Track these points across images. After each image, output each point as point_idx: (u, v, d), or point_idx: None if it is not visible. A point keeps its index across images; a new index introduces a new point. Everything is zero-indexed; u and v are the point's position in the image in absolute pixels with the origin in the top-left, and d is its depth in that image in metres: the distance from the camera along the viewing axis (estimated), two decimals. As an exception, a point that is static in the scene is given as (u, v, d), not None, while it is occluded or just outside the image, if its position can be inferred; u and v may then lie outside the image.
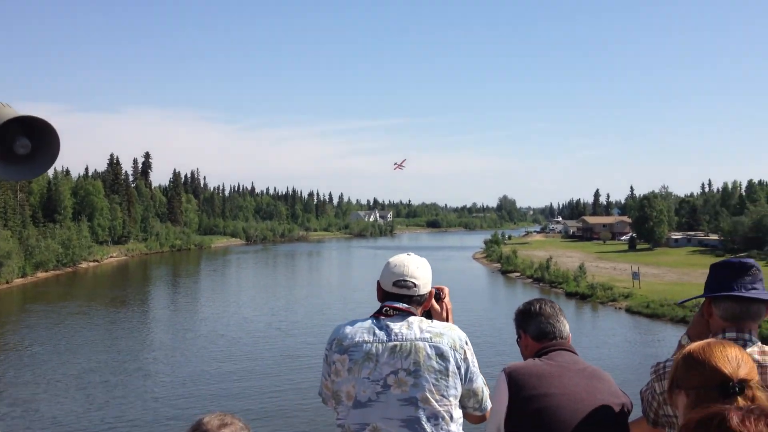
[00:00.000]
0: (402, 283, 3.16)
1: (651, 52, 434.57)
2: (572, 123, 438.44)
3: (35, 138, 2.62)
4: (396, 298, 3.17)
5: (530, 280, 79.54)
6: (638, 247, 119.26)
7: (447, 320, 3.38)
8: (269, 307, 58.80)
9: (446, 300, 3.47)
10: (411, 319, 3.11)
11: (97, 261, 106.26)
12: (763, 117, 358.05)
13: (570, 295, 66.74)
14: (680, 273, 78.02)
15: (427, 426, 2.98)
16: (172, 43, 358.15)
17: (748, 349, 2.85)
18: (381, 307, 3.16)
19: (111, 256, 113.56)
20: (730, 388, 2.09)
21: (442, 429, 3.01)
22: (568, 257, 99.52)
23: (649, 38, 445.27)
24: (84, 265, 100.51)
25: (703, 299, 3.13)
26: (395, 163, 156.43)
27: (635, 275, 67.84)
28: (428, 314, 3.33)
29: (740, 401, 2.07)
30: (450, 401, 3.04)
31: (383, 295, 3.22)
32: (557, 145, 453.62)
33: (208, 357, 38.45)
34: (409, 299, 3.17)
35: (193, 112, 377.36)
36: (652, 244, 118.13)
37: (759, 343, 2.89)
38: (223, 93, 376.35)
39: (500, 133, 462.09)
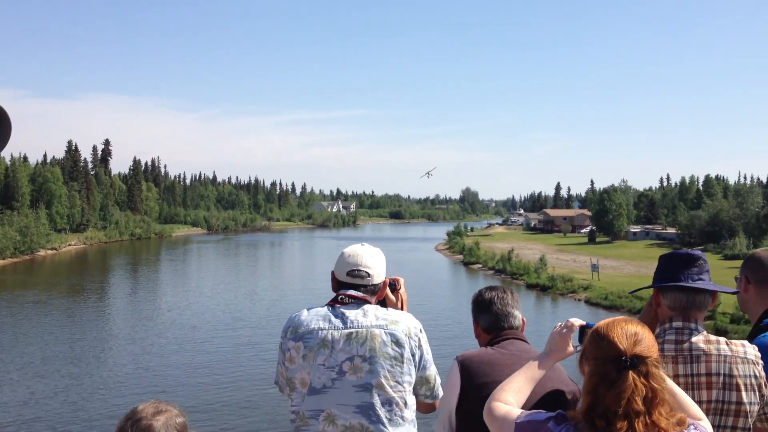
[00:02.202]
0: (356, 272, 3.20)
1: (613, 49, 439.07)
2: (534, 117, 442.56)
3: None
4: (350, 288, 3.20)
5: (492, 272, 80.00)
6: (597, 239, 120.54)
7: (402, 310, 3.42)
8: (230, 296, 58.42)
9: (401, 291, 3.52)
10: (366, 306, 3.16)
11: (56, 249, 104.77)
12: (721, 114, 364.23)
13: (531, 286, 67.31)
14: (638, 265, 79.03)
15: (381, 412, 3.02)
16: (132, 30, 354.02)
17: (694, 338, 2.93)
18: (336, 295, 3.20)
19: (69, 244, 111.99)
20: (622, 362, 2.20)
21: (396, 415, 3.05)
22: (530, 249, 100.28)
23: (611, 36, 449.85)
24: (42, 253, 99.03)
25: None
26: (426, 172, 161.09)
27: (594, 267, 68.57)
28: (383, 304, 3.36)
29: (631, 375, 2.18)
30: (404, 387, 3.09)
31: (337, 284, 3.26)
32: (520, 138, 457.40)
33: (168, 346, 38.09)
34: (363, 288, 3.20)
35: (154, 99, 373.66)
36: (611, 237, 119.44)
37: (704, 332, 2.97)
38: (185, 81, 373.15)
39: (463, 126, 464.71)
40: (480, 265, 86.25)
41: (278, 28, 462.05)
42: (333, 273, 3.28)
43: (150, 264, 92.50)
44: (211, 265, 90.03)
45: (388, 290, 3.44)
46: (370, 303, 3.19)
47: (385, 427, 3.02)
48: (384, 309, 3.20)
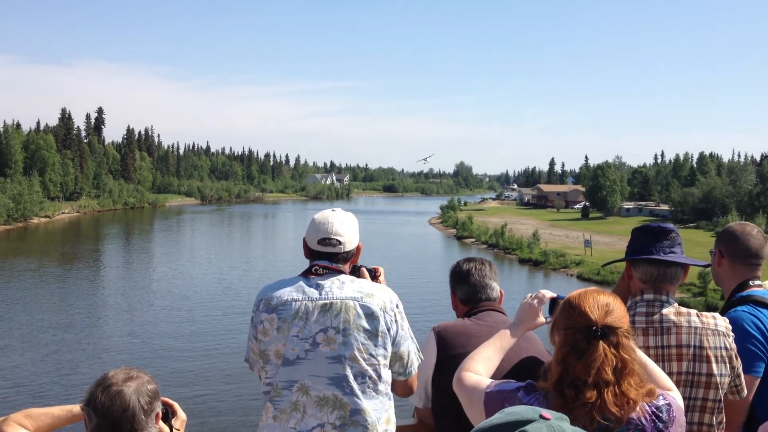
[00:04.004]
0: (327, 241, 3.13)
1: (609, 25, 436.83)
2: (530, 91, 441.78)
3: None
4: (322, 256, 3.15)
5: (485, 246, 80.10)
6: (591, 215, 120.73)
7: None
8: (222, 267, 58.49)
9: (381, 278, 3.46)
10: (341, 277, 3.12)
11: (49, 217, 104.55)
12: (716, 92, 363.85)
13: (523, 261, 67.51)
14: (631, 242, 79.24)
15: (355, 384, 3.00)
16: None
17: (665, 310, 2.95)
18: (310, 266, 3.15)
19: (63, 213, 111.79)
20: (593, 332, 2.21)
21: (369, 387, 3.04)
22: (523, 224, 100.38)
23: (607, 11, 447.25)
24: (35, 220, 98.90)
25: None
26: (424, 158, 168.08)
27: (587, 243, 68.78)
28: (355, 271, 3.33)
29: (601, 345, 2.19)
30: (378, 361, 3.06)
31: (309, 252, 3.21)
32: (514, 113, 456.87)
33: (159, 315, 38.19)
34: (335, 257, 3.16)
35: (147, 67, 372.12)
36: (605, 213, 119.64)
37: (675, 305, 2.98)
38: (178, 48, 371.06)
39: (458, 99, 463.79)
40: (473, 240, 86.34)
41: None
42: (305, 240, 3.21)
43: (143, 233, 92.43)
44: (204, 236, 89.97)
45: (367, 276, 3.37)
46: (344, 273, 3.16)
47: (359, 399, 3.01)
48: (360, 281, 3.16)
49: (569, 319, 2.28)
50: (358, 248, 3.26)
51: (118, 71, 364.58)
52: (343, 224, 3.19)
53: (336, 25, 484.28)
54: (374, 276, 3.45)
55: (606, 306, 2.27)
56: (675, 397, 2.39)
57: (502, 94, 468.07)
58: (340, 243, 3.15)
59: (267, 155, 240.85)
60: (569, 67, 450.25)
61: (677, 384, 2.72)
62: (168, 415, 2.75)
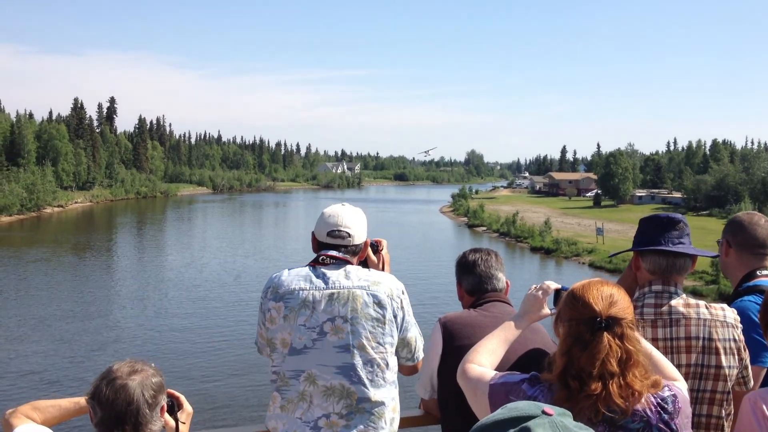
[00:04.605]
0: (336, 233, 3.16)
1: (621, 12, 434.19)
2: (541, 79, 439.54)
3: None
4: (330, 249, 3.17)
5: (496, 235, 79.90)
6: (603, 203, 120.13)
7: (384, 271, 3.40)
8: (234, 256, 58.52)
9: (383, 252, 3.48)
10: (348, 267, 3.13)
11: (62, 206, 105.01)
12: (729, 78, 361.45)
13: (535, 249, 67.29)
14: (643, 230, 78.78)
15: (363, 372, 3.02)
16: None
17: (673, 301, 2.92)
18: (317, 256, 3.16)
19: (76, 202, 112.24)
20: (596, 323, 2.20)
21: (377, 376, 3.05)
22: (534, 212, 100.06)
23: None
24: (48, 210, 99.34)
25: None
26: (425, 150, 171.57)
27: (599, 231, 68.50)
28: (365, 264, 3.33)
29: (606, 336, 2.19)
30: (386, 349, 3.08)
31: (318, 245, 3.22)
32: (526, 100, 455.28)
33: (170, 305, 38.29)
34: (344, 249, 3.17)
35: (158, 57, 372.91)
36: (617, 200, 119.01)
37: (684, 296, 2.95)
38: (189, 38, 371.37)
39: (469, 87, 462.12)
40: (484, 228, 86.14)
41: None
42: (313, 233, 3.24)
43: (155, 223, 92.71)
44: (216, 225, 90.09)
45: (370, 251, 3.41)
46: (351, 263, 3.16)
47: (367, 388, 3.03)
48: (366, 270, 3.17)
49: (573, 310, 2.27)
50: (365, 244, 3.29)
51: (130, 61, 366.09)
52: (352, 218, 3.22)
53: (346, 13, 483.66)
54: (376, 249, 3.48)
55: (610, 297, 2.26)
56: (681, 387, 2.38)
57: (513, 81, 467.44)
58: (349, 235, 3.18)
59: (278, 144, 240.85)
60: (581, 55, 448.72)
61: (686, 376, 2.70)
62: (174, 407, 2.76)
